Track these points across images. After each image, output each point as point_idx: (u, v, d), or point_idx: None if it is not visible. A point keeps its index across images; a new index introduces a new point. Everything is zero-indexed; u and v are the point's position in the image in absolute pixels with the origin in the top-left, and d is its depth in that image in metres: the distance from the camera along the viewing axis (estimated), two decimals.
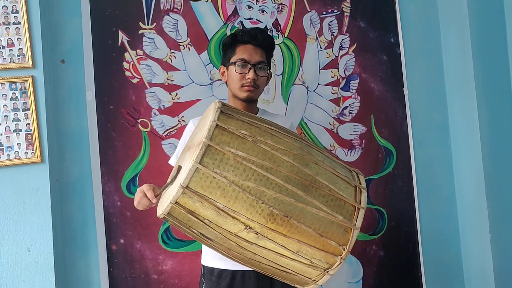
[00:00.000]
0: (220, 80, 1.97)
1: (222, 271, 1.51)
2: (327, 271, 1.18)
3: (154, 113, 2.02)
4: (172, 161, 1.65)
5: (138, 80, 2.02)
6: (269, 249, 1.14)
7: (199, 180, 1.05)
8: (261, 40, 1.56)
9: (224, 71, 1.61)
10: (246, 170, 1.08)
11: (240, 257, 1.21)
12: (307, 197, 1.11)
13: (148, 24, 2.04)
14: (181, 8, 2.08)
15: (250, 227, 1.09)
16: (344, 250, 1.16)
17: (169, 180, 1.19)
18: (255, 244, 1.13)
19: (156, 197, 1.25)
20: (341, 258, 1.16)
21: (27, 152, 1.80)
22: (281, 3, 2.20)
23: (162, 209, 1.13)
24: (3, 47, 1.80)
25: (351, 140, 2.27)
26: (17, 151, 1.80)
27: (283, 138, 1.17)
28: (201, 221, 1.10)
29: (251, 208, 1.08)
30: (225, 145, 1.08)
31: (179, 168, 1.17)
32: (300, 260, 1.15)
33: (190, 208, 1.09)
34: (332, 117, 2.25)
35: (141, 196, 1.29)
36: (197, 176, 1.05)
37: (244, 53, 1.54)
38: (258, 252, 1.16)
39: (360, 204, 1.19)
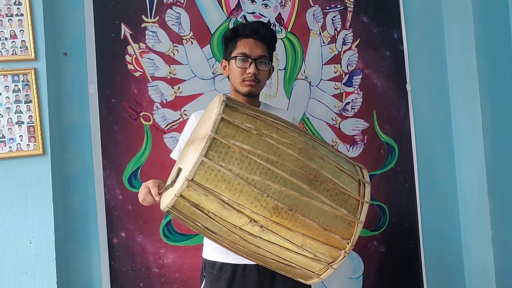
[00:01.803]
0: (223, 74, 1.96)
1: (223, 264, 1.51)
2: (331, 265, 1.18)
3: (156, 107, 2.02)
4: (174, 155, 1.64)
5: (141, 73, 2.01)
6: (274, 243, 1.14)
7: (204, 173, 1.05)
8: (263, 33, 1.55)
9: (226, 65, 1.60)
10: (251, 164, 1.07)
11: (243, 251, 1.21)
12: (312, 191, 1.11)
13: (151, 18, 2.03)
14: (184, 2, 2.07)
15: (254, 221, 1.09)
16: (348, 244, 1.16)
17: (169, 182, 1.18)
18: (259, 237, 1.13)
19: (159, 195, 1.25)
20: (345, 252, 1.16)
21: (29, 145, 1.80)
22: None
23: (166, 202, 1.12)
24: (6, 39, 1.79)
25: (353, 135, 2.27)
26: (19, 143, 1.80)
27: (288, 132, 1.17)
28: (206, 214, 1.10)
29: (256, 202, 1.07)
30: (230, 138, 1.07)
31: (179, 170, 1.16)
32: (304, 254, 1.16)
33: (195, 201, 1.08)
34: (335, 113, 2.24)
35: (145, 193, 1.30)
36: (202, 169, 1.04)
37: (245, 47, 1.53)
38: (262, 246, 1.16)
39: (364, 199, 1.19)
